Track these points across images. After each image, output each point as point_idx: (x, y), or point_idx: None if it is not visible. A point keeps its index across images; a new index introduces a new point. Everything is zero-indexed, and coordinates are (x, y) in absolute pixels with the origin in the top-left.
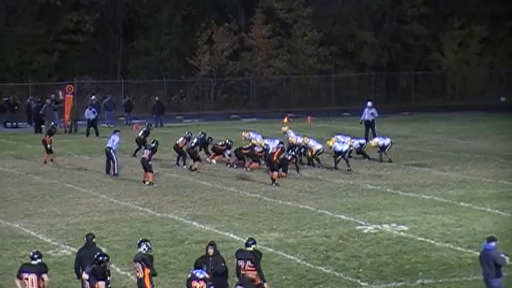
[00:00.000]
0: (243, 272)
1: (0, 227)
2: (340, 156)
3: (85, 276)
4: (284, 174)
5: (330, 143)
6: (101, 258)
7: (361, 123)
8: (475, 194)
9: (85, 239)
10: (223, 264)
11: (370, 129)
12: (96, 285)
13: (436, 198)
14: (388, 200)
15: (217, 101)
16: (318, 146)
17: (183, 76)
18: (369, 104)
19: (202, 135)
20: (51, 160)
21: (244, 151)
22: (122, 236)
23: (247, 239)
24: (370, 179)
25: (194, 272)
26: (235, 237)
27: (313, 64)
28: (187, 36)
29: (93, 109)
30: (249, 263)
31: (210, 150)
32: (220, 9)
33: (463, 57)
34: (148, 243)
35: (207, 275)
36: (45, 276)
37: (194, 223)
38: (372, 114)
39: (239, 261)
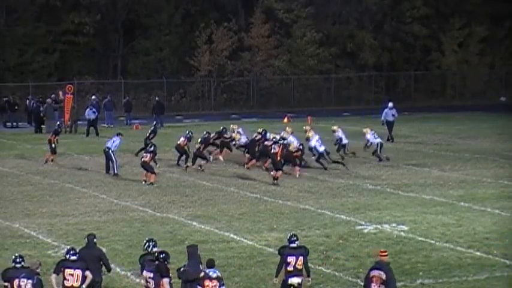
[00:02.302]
0: (291, 268)
1: (0, 227)
2: (318, 156)
3: (148, 274)
4: (298, 169)
5: (312, 143)
6: (162, 255)
7: (383, 124)
8: (475, 194)
9: (86, 239)
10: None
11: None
12: (160, 283)
13: (436, 198)
14: (388, 200)
15: (217, 101)
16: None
17: (183, 76)
18: (390, 104)
19: (206, 135)
20: (52, 160)
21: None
22: (122, 236)
23: (289, 235)
24: (370, 179)
25: (207, 270)
26: (235, 237)
27: (313, 64)
28: (187, 36)
29: (94, 109)
30: (301, 258)
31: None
32: (219, 9)
33: (463, 57)
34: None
35: (219, 274)
36: (88, 273)
37: (194, 223)
38: (393, 115)
39: (289, 257)
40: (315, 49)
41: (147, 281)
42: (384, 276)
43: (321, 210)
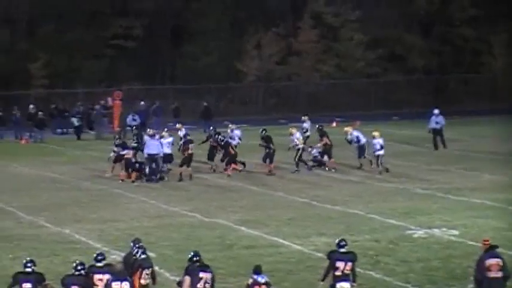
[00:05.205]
0: (339, 273)
1: (51, 233)
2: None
3: (207, 275)
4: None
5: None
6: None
7: (429, 132)
8: None
9: (132, 244)
10: None
11: (439, 137)
12: None
13: (487, 202)
14: (438, 204)
15: (265, 106)
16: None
17: (231, 81)
18: (436, 111)
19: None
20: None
21: None
22: (171, 241)
23: (338, 240)
24: (420, 183)
25: (255, 276)
26: (284, 242)
27: (361, 68)
28: (235, 41)
29: (135, 116)
30: (350, 263)
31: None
32: (267, 14)
33: None
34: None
35: (268, 280)
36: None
37: (243, 228)
38: (437, 122)
39: (338, 262)
40: (362, 52)
41: (206, 282)
42: (501, 263)
43: (371, 214)
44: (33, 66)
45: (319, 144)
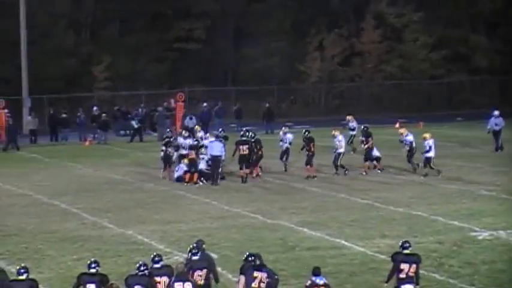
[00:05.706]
0: (403, 276)
1: (114, 234)
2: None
3: (264, 275)
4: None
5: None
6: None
7: (488, 133)
8: None
9: (195, 245)
10: None
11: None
12: None
13: None
14: (504, 206)
15: (327, 107)
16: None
17: (293, 82)
18: (496, 112)
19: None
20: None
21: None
22: (233, 242)
23: (402, 241)
24: (485, 184)
25: (314, 278)
26: (346, 243)
27: (425, 69)
28: (297, 43)
29: (192, 117)
30: (414, 265)
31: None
32: (330, 15)
33: None
34: None
35: (326, 281)
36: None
37: (305, 229)
38: (497, 124)
39: (402, 264)
40: (427, 53)
41: (261, 282)
42: None
43: (434, 216)
44: (96, 68)
45: (366, 145)
